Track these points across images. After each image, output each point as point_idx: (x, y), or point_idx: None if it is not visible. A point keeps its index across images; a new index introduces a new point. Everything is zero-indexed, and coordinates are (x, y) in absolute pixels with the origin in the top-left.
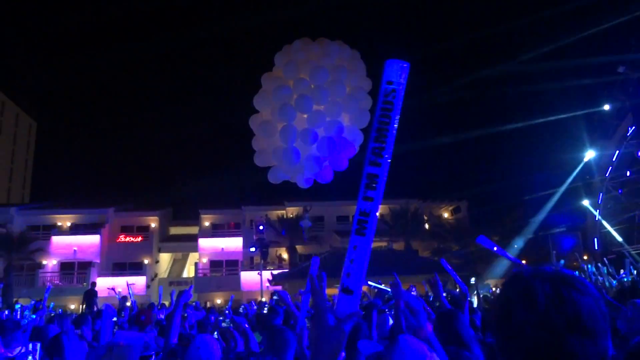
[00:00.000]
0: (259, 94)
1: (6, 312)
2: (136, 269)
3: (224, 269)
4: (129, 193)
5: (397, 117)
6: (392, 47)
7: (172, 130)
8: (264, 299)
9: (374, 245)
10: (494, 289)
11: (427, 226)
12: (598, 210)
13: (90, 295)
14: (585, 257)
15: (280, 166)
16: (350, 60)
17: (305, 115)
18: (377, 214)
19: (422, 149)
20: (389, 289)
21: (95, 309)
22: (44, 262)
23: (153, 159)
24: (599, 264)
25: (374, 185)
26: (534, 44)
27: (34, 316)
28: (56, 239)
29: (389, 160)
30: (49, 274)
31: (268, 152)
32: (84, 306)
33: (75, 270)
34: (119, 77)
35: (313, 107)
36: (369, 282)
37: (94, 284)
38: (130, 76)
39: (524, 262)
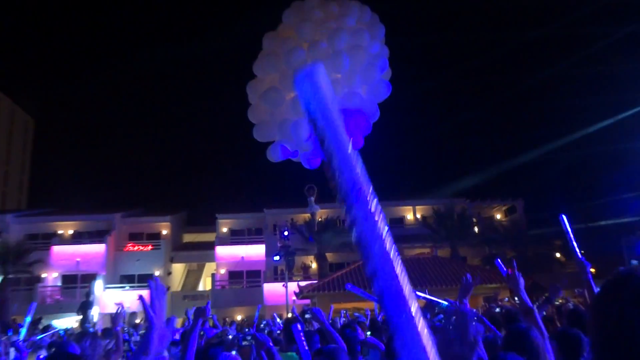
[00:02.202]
0: (263, 57)
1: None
2: (146, 281)
3: (244, 281)
4: (137, 196)
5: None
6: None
7: (186, 126)
8: (289, 315)
9: (416, 252)
10: (561, 300)
11: (476, 229)
12: None
13: (85, 307)
14: None
15: (288, 142)
16: (370, 24)
17: None
18: (419, 216)
19: (469, 141)
20: (442, 301)
21: (91, 323)
22: (44, 275)
23: (164, 158)
24: None
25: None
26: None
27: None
28: (57, 249)
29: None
30: (49, 289)
31: (271, 125)
32: (81, 318)
33: (78, 283)
34: (126, 70)
35: (330, 75)
36: (418, 293)
37: (88, 294)
38: (140, 69)
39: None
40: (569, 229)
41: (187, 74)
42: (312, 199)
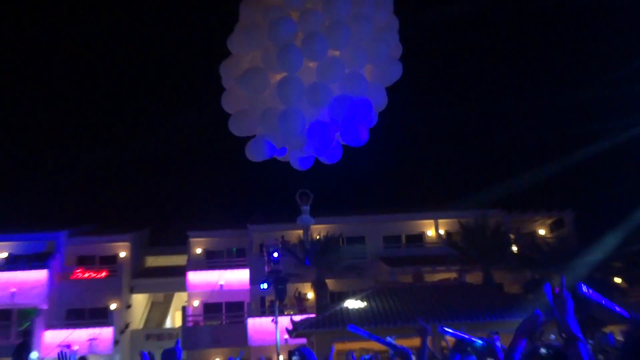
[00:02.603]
0: (240, 30)
1: None
2: (99, 317)
3: (223, 315)
4: (88, 211)
5: None
6: None
7: (148, 124)
8: (281, 358)
9: (439, 277)
10: (619, 338)
11: (514, 249)
12: None
13: (22, 351)
14: None
15: (273, 136)
16: None
17: (312, 64)
18: (442, 231)
19: (505, 138)
20: (474, 339)
21: None
22: None
23: (122, 164)
24: None
25: None
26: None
27: None
28: None
29: None
30: None
31: (252, 115)
32: None
33: (13, 320)
34: (73, 52)
35: (328, 52)
36: (445, 329)
37: (26, 332)
38: (88, 49)
39: None
40: (593, 296)
41: (143, 55)
42: (307, 208)
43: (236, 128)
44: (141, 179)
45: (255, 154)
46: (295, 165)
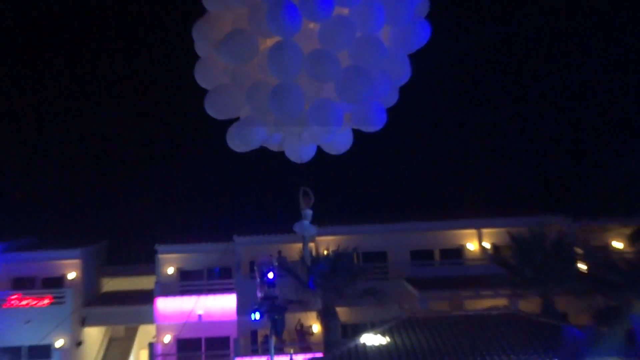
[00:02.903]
0: None
1: None
2: (41, 357)
3: (202, 355)
4: (26, 220)
5: None
6: None
7: (104, 109)
8: None
9: (484, 304)
10: None
11: (582, 267)
12: None
13: None
14: None
15: (264, 119)
16: None
17: (313, 26)
18: (487, 244)
19: (568, 126)
20: None
21: None
22: None
23: (70, 160)
24: None
25: None
26: None
27: None
28: None
29: None
30: None
31: (236, 91)
32: None
33: None
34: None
35: (334, 10)
36: None
37: None
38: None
39: None
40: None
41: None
42: (309, 212)
43: (214, 108)
44: (97, 178)
45: (240, 142)
46: (293, 156)
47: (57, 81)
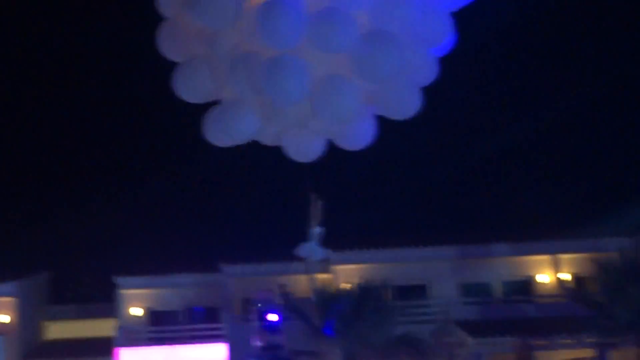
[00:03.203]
0: None
1: None
2: None
3: None
4: None
5: None
6: None
7: (56, 100)
8: None
9: (561, 356)
10: None
11: None
12: None
13: None
14: None
15: (253, 103)
16: None
17: None
18: (565, 276)
19: None
20: None
21: None
22: None
23: (7, 167)
24: None
25: None
26: None
27: None
28: None
29: None
30: None
31: (214, 65)
32: None
33: None
34: None
35: None
36: None
37: None
38: None
39: None
40: None
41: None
42: (318, 231)
43: (186, 88)
44: (36, 189)
45: (221, 133)
46: (295, 154)
47: None
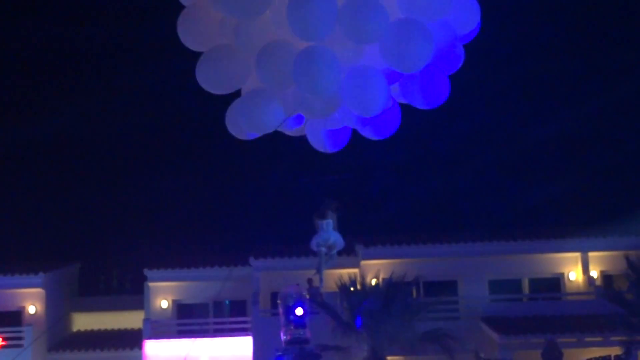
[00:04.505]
0: None
1: None
2: None
3: None
4: None
5: None
6: None
7: (75, 95)
8: None
9: (590, 354)
10: None
11: None
12: None
13: None
14: None
15: (280, 93)
16: None
17: None
18: (594, 273)
19: None
20: None
21: None
22: None
23: (32, 160)
24: None
25: None
26: None
27: None
28: None
29: None
30: None
31: (240, 55)
32: None
33: None
34: None
35: None
36: None
37: None
38: None
39: None
40: None
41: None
42: (330, 222)
43: (209, 78)
44: (65, 181)
45: (245, 124)
46: (320, 144)
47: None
